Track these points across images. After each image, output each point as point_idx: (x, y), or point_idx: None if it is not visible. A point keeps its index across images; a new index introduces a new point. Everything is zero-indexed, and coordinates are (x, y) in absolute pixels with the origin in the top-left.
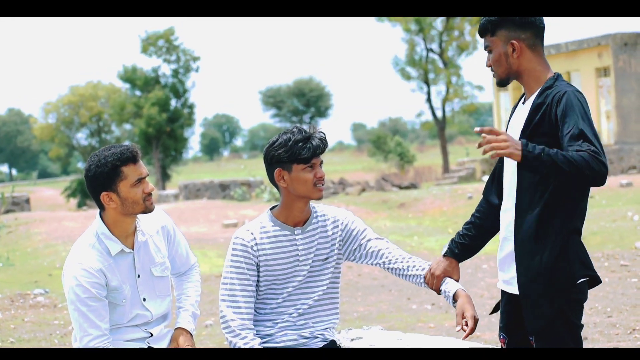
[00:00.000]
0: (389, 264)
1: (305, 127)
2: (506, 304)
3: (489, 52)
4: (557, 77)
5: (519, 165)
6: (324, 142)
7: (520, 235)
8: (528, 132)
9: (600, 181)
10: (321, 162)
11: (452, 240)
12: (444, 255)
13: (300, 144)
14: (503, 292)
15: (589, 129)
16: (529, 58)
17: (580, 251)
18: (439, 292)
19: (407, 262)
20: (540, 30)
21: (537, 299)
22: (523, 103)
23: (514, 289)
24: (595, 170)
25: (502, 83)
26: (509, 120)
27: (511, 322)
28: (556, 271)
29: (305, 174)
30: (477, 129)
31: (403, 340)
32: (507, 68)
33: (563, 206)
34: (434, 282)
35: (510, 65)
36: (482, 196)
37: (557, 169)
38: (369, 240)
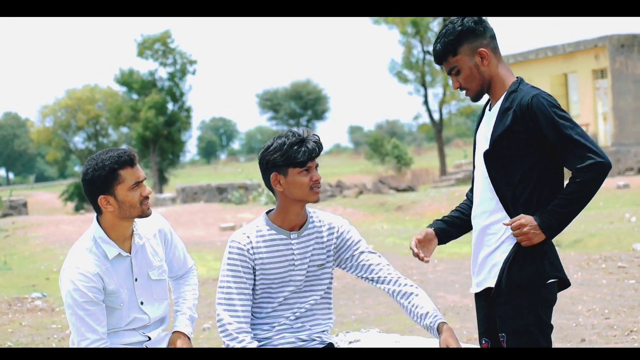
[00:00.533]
0: (377, 280)
1: (299, 130)
2: (482, 309)
3: (456, 73)
4: (521, 80)
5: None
6: (319, 145)
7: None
8: (497, 135)
9: (608, 171)
10: (316, 165)
11: (435, 220)
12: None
13: (296, 147)
14: (477, 298)
15: (570, 129)
16: (495, 63)
17: (551, 252)
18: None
19: (394, 286)
20: (493, 33)
21: (509, 298)
22: (489, 110)
23: (488, 284)
24: (597, 176)
25: (477, 97)
26: (476, 130)
27: (491, 327)
28: (527, 271)
29: (301, 178)
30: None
31: (401, 342)
32: (480, 79)
33: (537, 209)
34: (418, 247)
35: (482, 75)
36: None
37: (578, 210)
38: (362, 252)
